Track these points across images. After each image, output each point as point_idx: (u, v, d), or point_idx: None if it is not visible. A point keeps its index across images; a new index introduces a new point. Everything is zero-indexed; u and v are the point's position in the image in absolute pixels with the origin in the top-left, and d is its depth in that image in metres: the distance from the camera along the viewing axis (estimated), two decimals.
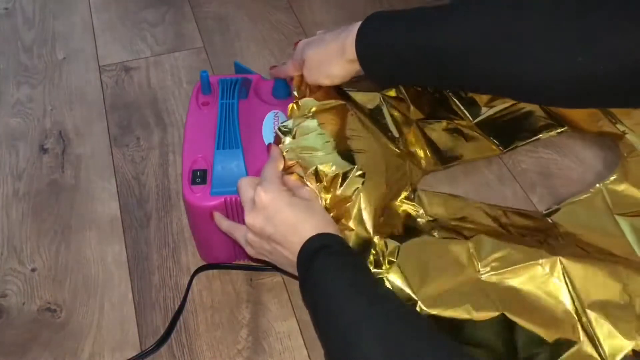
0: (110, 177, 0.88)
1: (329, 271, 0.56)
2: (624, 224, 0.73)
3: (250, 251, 0.65)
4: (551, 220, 0.74)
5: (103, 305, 0.74)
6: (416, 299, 0.62)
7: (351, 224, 0.63)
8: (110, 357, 0.70)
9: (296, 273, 0.61)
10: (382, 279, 0.63)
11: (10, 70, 1.05)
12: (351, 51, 0.64)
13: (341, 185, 0.63)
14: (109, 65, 1.06)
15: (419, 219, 0.69)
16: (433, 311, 0.62)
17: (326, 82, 0.70)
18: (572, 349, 0.61)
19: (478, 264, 0.65)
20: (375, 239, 0.64)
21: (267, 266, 0.74)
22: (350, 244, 0.63)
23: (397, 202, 0.69)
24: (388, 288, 0.62)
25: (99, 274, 0.77)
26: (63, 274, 0.77)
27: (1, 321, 0.73)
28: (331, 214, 0.63)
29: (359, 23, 0.64)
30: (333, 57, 0.66)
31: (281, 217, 0.60)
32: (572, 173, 0.87)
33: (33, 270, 0.78)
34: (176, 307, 0.73)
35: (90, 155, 0.91)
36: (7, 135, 0.94)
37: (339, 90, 0.74)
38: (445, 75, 0.61)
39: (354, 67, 0.67)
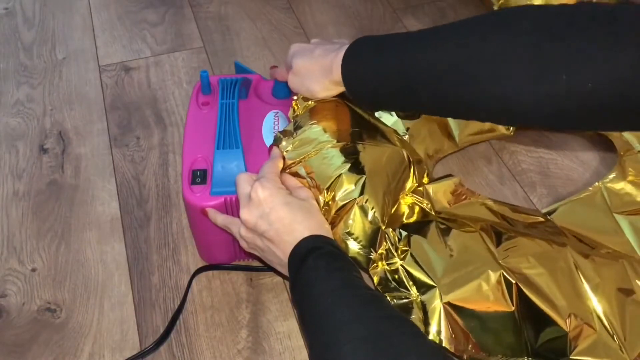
0: (110, 177, 0.88)
1: (319, 273, 0.56)
2: (623, 222, 0.73)
3: (244, 245, 0.66)
4: (551, 218, 0.74)
5: (103, 305, 0.74)
6: (435, 285, 0.62)
7: (353, 221, 0.63)
8: (110, 357, 0.70)
9: (285, 272, 0.61)
10: (396, 269, 0.63)
11: (10, 70, 1.05)
12: (337, 73, 0.65)
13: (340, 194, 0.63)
14: (109, 65, 1.06)
15: (426, 212, 0.69)
16: (451, 297, 0.61)
17: (305, 93, 0.70)
18: (590, 339, 0.61)
19: (493, 250, 0.64)
20: (387, 230, 0.64)
21: (265, 265, 0.74)
22: (359, 238, 0.63)
23: (404, 195, 0.69)
24: (378, 291, 0.62)
25: (99, 274, 0.77)
26: (63, 274, 0.77)
27: (1, 321, 0.73)
28: (327, 217, 0.63)
29: (347, 45, 0.65)
30: (318, 75, 0.67)
31: (276, 215, 0.60)
32: (572, 173, 0.87)
33: (33, 270, 0.78)
34: (176, 307, 0.73)
35: (90, 155, 0.91)
36: (7, 135, 0.94)
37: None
38: (429, 102, 0.61)
39: (337, 89, 0.67)
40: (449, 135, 0.86)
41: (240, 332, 0.72)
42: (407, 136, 0.81)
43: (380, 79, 0.62)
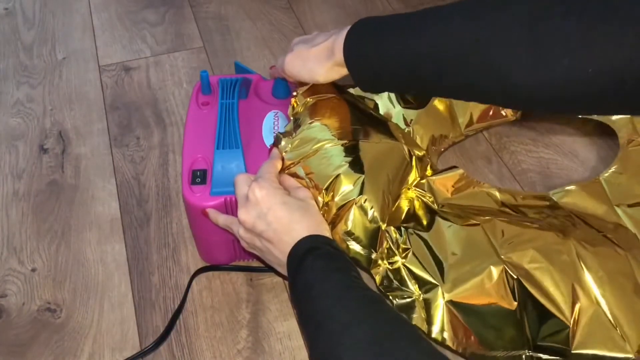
0: (110, 177, 0.88)
1: (318, 274, 0.56)
2: (623, 215, 0.72)
3: (244, 245, 0.66)
4: (557, 200, 0.73)
5: (103, 305, 0.74)
6: (437, 283, 0.62)
7: (353, 221, 0.63)
8: (110, 357, 0.70)
9: (285, 272, 0.61)
10: (398, 268, 0.63)
11: (10, 70, 1.05)
12: (339, 54, 0.64)
13: (339, 194, 0.63)
14: (109, 65, 1.06)
15: (429, 206, 0.69)
16: (453, 295, 0.61)
17: (306, 77, 0.69)
18: (593, 332, 0.60)
19: (496, 245, 0.64)
20: (388, 228, 0.64)
21: (265, 265, 0.74)
22: (360, 238, 0.63)
23: (406, 190, 0.69)
24: (377, 293, 0.62)
25: (99, 274, 0.77)
26: (63, 274, 0.77)
27: (1, 321, 0.73)
28: (327, 217, 0.63)
29: (349, 27, 0.65)
30: (321, 57, 0.67)
31: (274, 215, 0.60)
32: (572, 173, 0.87)
33: (33, 270, 0.78)
34: (176, 307, 0.73)
35: (90, 155, 0.91)
36: (7, 135, 0.94)
37: (338, 88, 0.74)
38: (430, 83, 0.61)
39: (340, 71, 0.67)
40: (454, 122, 0.86)
41: (240, 332, 0.72)
42: (409, 129, 0.81)
43: (382, 60, 0.62)
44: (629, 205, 0.73)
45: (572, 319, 0.61)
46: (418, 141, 0.81)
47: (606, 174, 0.77)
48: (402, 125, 0.80)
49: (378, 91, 0.70)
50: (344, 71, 0.66)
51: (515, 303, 0.61)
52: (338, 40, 0.64)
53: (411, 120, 0.81)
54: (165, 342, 0.71)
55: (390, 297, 0.63)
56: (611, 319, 0.61)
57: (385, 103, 0.81)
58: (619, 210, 0.72)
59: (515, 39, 0.53)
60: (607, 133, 0.87)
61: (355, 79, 0.66)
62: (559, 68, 0.51)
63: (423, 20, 0.60)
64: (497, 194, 0.72)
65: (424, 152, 0.75)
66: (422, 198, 0.69)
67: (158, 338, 0.70)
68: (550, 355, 0.61)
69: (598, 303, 0.61)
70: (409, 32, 0.60)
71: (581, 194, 0.74)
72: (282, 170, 0.67)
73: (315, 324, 0.54)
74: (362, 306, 0.54)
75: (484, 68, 0.55)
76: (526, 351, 0.61)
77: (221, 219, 0.68)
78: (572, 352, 0.60)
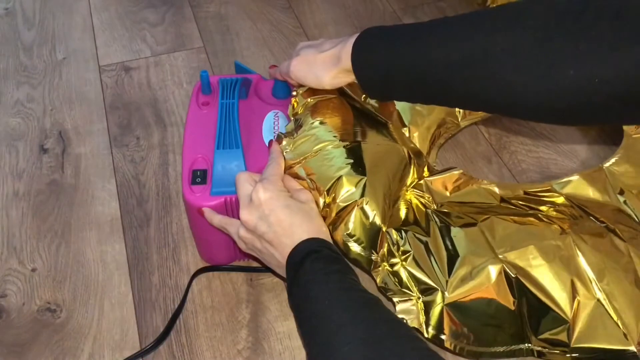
0: (110, 177, 0.88)
1: (316, 276, 0.57)
2: (625, 204, 0.71)
3: (242, 246, 0.66)
4: (559, 191, 0.73)
5: (103, 305, 0.74)
6: (436, 286, 0.62)
7: (354, 223, 0.63)
8: (110, 357, 0.70)
9: (283, 274, 0.62)
10: (398, 270, 0.63)
11: (10, 70, 1.05)
12: (346, 61, 0.64)
13: (342, 195, 0.63)
14: (109, 65, 1.06)
15: (427, 208, 0.69)
16: (452, 297, 0.62)
17: (312, 82, 0.70)
18: (593, 326, 0.60)
19: (494, 245, 0.64)
20: (389, 230, 0.64)
21: (263, 266, 0.74)
22: (360, 239, 0.63)
23: (404, 192, 0.69)
24: (375, 296, 0.62)
25: (99, 274, 0.77)
26: (63, 274, 0.77)
27: (1, 321, 0.73)
28: (328, 219, 0.63)
29: (357, 35, 0.64)
30: (328, 64, 0.67)
31: (276, 217, 0.60)
32: (572, 173, 0.86)
33: (33, 270, 0.78)
34: (176, 307, 0.73)
35: (90, 155, 0.91)
36: (7, 135, 0.94)
37: (340, 90, 0.74)
38: (437, 92, 0.61)
39: (346, 78, 0.67)
40: (451, 113, 0.85)
41: (240, 332, 0.72)
42: (406, 128, 0.80)
43: (391, 67, 0.62)
44: (633, 194, 0.73)
45: (572, 314, 0.61)
46: (416, 139, 0.80)
47: (609, 162, 0.76)
48: (398, 125, 0.80)
49: (385, 99, 0.69)
50: (349, 78, 0.66)
51: (515, 301, 0.62)
52: (345, 48, 0.64)
53: (408, 119, 0.81)
54: (165, 342, 0.71)
55: (393, 299, 0.63)
56: (611, 312, 0.61)
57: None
58: (621, 199, 0.72)
59: (524, 52, 0.53)
60: (607, 133, 0.87)
61: (362, 86, 0.66)
62: (566, 78, 0.51)
63: (433, 30, 0.60)
64: (497, 189, 0.72)
65: (422, 152, 0.75)
66: (421, 199, 0.69)
67: (158, 338, 0.70)
68: (551, 348, 0.61)
69: (597, 297, 0.61)
70: (418, 40, 0.60)
71: (584, 183, 0.73)
72: (284, 171, 0.67)
73: (312, 325, 0.54)
74: (358, 307, 0.54)
75: (491, 79, 0.55)
76: (526, 344, 0.62)
77: (216, 219, 0.68)
78: (572, 346, 0.60)
